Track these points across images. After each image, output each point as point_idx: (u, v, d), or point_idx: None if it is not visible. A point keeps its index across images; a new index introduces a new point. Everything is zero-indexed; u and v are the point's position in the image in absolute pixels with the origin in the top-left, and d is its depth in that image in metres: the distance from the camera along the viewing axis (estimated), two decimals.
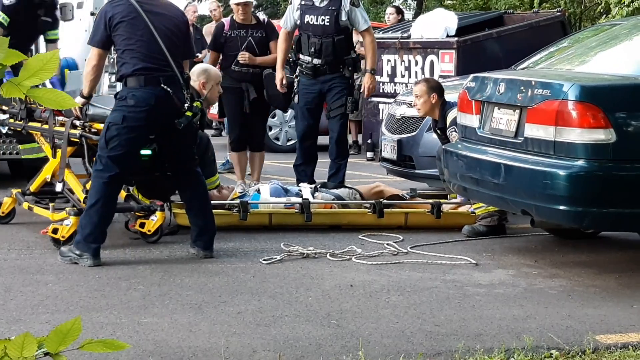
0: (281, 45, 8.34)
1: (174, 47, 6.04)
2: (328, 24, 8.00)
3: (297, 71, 8.25)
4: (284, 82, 8.34)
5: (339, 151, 8.24)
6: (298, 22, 8.13)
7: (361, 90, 8.28)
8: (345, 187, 7.74)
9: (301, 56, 8.15)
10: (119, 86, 6.50)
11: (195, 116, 6.06)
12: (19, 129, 7.22)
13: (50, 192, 7.21)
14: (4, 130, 7.36)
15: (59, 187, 6.64)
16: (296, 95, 8.33)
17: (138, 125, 5.90)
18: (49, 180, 6.99)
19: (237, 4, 8.75)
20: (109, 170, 5.86)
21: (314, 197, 7.41)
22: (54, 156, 6.83)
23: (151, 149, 6.18)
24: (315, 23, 8.03)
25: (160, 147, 6.18)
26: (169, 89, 5.90)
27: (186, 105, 5.98)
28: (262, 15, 9.62)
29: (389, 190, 7.79)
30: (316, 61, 8.05)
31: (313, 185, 7.65)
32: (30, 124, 7.10)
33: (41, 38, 8.43)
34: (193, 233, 6.24)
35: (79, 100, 6.32)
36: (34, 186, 7.12)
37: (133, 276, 5.70)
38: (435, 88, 7.56)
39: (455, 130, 7.02)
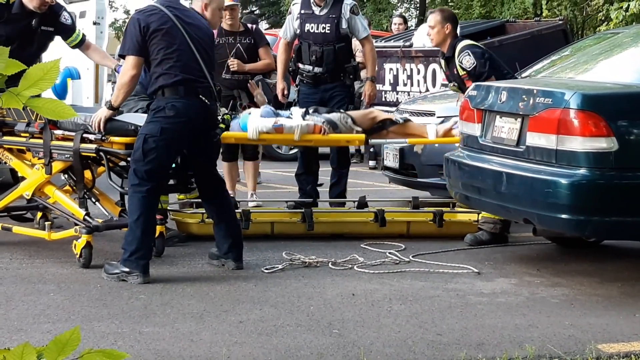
0: (281, 56, 8.34)
1: (208, 58, 5.99)
2: (329, 31, 8.01)
3: (298, 80, 8.26)
4: (286, 92, 8.34)
5: (340, 160, 8.24)
6: (298, 31, 8.14)
7: (362, 99, 8.29)
8: (338, 111, 7.55)
9: (301, 65, 8.15)
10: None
11: (227, 128, 6.09)
12: None
13: (14, 209, 7.01)
14: None
15: (79, 205, 6.36)
16: (297, 104, 8.34)
17: (177, 137, 5.80)
18: (28, 197, 6.64)
19: (224, 9, 8.76)
20: (147, 184, 5.73)
21: (304, 120, 7.21)
22: (48, 172, 6.48)
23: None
24: (316, 31, 8.04)
25: (189, 157, 6.10)
26: (206, 100, 5.85)
27: (219, 117, 5.97)
28: (265, 25, 9.62)
29: (382, 115, 7.66)
30: (317, 69, 8.06)
31: (304, 109, 7.48)
32: (6, 138, 6.70)
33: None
34: (223, 245, 6.11)
35: (105, 111, 6.06)
36: (1, 203, 6.76)
37: (134, 285, 5.69)
38: (449, 18, 7.59)
39: (469, 54, 7.26)
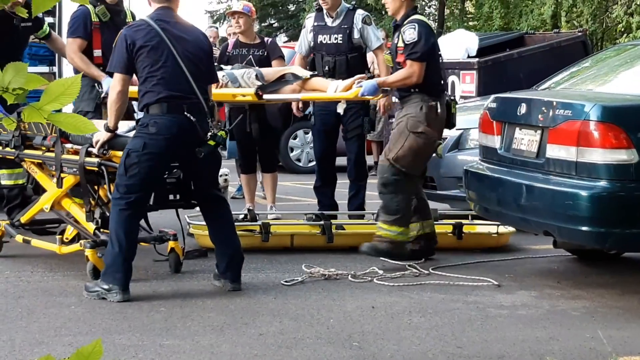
0: None
1: (199, 73, 5.86)
2: (341, 42, 8.02)
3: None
4: (300, 106, 8.35)
5: (357, 172, 8.23)
6: (312, 43, 8.15)
7: (377, 109, 8.29)
8: (251, 67, 7.54)
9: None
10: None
11: (218, 146, 5.86)
12: (11, 157, 6.92)
13: (39, 223, 7.05)
14: None
15: (86, 218, 6.35)
16: (312, 117, 8.35)
17: (159, 153, 5.71)
18: (47, 210, 6.70)
19: (231, 14, 8.81)
20: (127, 198, 5.67)
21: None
22: (60, 186, 6.54)
23: (175, 176, 6.13)
24: (329, 42, 8.05)
25: (184, 175, 6.08)
26: (192, 117, 5.72)
27: (209, 134, 5.79)
28: (283, 37, 9.64)
29: (289, 69, 7.54)
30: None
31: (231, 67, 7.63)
32: (27, 151, 6.79)
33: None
34: (221, 264, 5.99)
35: (104, 134, 6.01)
36: (25, 217, 6.87)
37: (155, 298, 5.71)
38: None
39: (414, 28, 6.69)
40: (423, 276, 6.44)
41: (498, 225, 7.39)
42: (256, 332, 5.00)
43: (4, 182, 7.70)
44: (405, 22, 6.79)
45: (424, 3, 30.22)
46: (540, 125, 5.96)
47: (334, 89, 7.01)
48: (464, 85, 10.94)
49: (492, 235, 7.51)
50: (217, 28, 15.24)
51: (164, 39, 5.76)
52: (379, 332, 5.04)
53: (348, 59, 8.01)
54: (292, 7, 32.99)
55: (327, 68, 8.02)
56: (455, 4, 28.87)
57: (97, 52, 7.36)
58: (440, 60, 7.04)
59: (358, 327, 5.14)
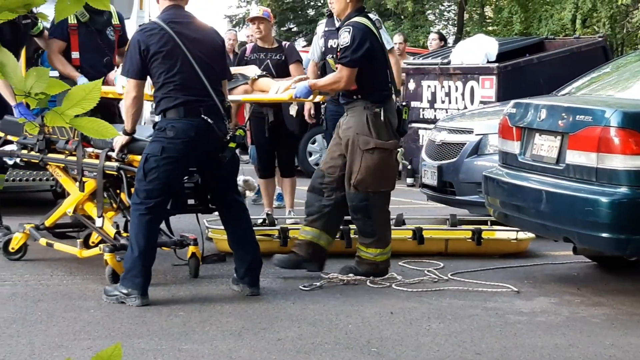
0: (310, 76, 8.36)
1: (214, 75, 5.85)
2: None
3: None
4: (312, 112, 8.33)
5: None
6: (323, 48, 8.14)
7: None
8: None
9: None
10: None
11: (238, 146, 5.87)
12: (35, 161, 6.96)
13: (63, 226, 7.11)
14: (11, 162, 7.20)
15: (99, 222, 6.40)
16: (324, 122, 8.34)
17: (177, 157, 5.70)
18: (70, 214, 6.77)
19: (250, 20, 8.82)
20: (147, 203, 5.67)
21: None
22: (82, 190, 6.59)
23: (193, 181, 6.13)
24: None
25: (203, 179, 6.10)
26: (209, 120, 5.71)
27: (228, 136, 5.78)
28: (302, 42, 9.66)
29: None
30: None
31: None
32: (50, 155, 6.85)
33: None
34: (240, 269, 5.98)
35: (122, 138, 6.02)
36: (49, 221, 6.90)
37: (174, 302, 5.72)
38: None
39: (349, 32, 6.34)
40: (442, 282, 6.42)
41: (517, 231, 7.36)
42: (274, 337, 5.00)
43: None
44: (344, 25, 6.53)
45: (443, 8, 30.18)
46: (560, 131, 5.94)
47: (275, 90, 6.79)
48: (483, 90, 10.91)
49: (512, 241, 7.49)
50: (236, 32, 15.26)
51: (178, 43, 5.73)
52: (397, 337, 5.03)
53: None
54: (311, 12, 33.03)
55: None
56: (474, 8, 28.82)
57: (75, 55, 7.42)
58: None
59: (377, 332, 5.13)
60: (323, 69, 8.16)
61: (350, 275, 6.43)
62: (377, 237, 6.50)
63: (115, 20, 7.75)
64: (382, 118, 6.36)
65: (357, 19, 6.44)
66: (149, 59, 5.73)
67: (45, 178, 8.79)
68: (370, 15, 8.11)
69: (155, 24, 5.85)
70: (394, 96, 6.56)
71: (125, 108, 5.97)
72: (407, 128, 6.73)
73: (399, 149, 6.46)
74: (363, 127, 6.36)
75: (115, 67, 7.37)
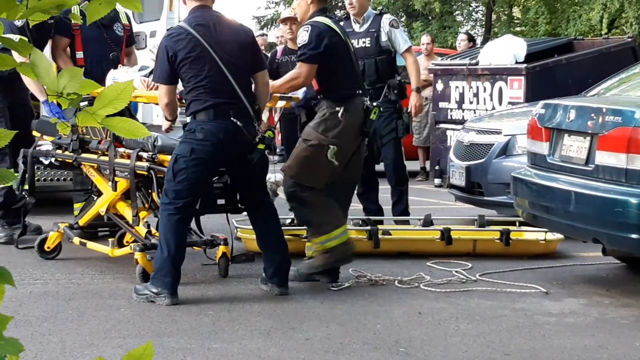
0: None
1: (243, 77, 5.87)
2: (369, 45, 8.04)
3: (376, 103, 8.24)
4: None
5: (397, 177, 8.18)
6: None
7: (408, 110, 8.21)
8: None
9: None
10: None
11: (267, 148, 5.88)
12: (69, 161, 7.05)
13: (95, 226, 7.18)
14: (46, 161, 7.28)
15: (135, 221, 6.46)
16: None
17: (206, 159, 5.75)
18: (103, 214, 6.83)
19: (283, 21, 8.84)
20: (176, 203, 5.72)
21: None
22: (115, 189, 6.67)
23: (222, 181, 6.17)
24: (357, 46, 8.03)
25: (232, 180, 6.14)
26: (238, 122, 5.74)
27: (257, 137, 5.80)
28: None
29: None
30: None
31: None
32: (84, 155, 6.94)
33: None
34: (269, 269, 6.02)
35: (167, 122, 6.08)
36: (83, 220, 6.98)
37: (203, 301, 5.76)
38: None
39: (307, 31, 6.23)
40: (470, 282, 6.42)
41: (546, 232, 7.34)
42: (303, 336, 5.02)
43: None
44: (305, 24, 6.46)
45: (471, 8, 30.10)
46: (590, 131, 5.92)
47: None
48: (511, 91, 10.88)
49: (540, 242, 7.47)
50: (266, 35, 15.29)
51: (206, 47, 5.74)
52: (425, 338, 5.04)
53: (376, 62, 8.00)
54: (339, 13, 33.05)
55: None
56: (502, 9, 28.73)
57: (79, 54, 7.50)
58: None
59: (405, 333, 5.14)
60: None
61: (379, 275, 6.44)
62: (315, 225, 6.31)
63: (124, 20, 7.81)
64: (339, 117, 6.23)
65: (316, 18, 6.39)
66: (177, 64, 5.76)
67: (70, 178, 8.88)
68: (386, 15, 8.17)
69: (182, 29, 5.86)
70: (366, 97, 6.44)
71: (162, 110, 6.08)
72: (370, 129, 6.44)
73: (331, 147, 6.20)
74: (315, 121, 6.29)
75: (120, 65, 7.40)
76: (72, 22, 7.44)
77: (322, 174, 6.26)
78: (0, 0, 2.36)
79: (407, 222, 8.11)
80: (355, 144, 6.35)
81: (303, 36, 6.31)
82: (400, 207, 8.17)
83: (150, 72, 6.77)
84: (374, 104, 6.57)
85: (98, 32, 7.60)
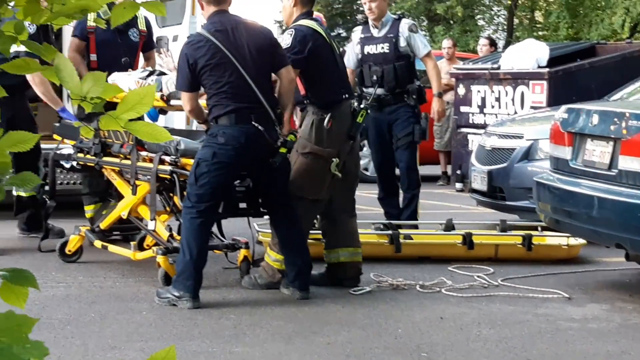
0: None
1: (264, 80, 5.88)
2: (388, 50, 7.98)
3: (363, 105, 8.23)
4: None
5: (409, 181, 8.10)
6: (359, 55, 8.15)
7: (432, 116, 8.12)
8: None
9: (365, 89, 8.14)
10: None
11: (289, 151, 5.90)
12: (91, 164, 7.07)
13: (117, 230, 7.21)
14: (68, 165, 7.29)
15: (151, 225, 6.49)
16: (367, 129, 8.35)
17: (228, 163, 5.77)
18: (124, 217, 6.85)
19: None
20: (198, 207, 5.74)
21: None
22: (135, 193, 6.67)
23: (245, 185, 6.19)
24: (375, 52, 8.03)
25: (254, 183, 6.14)
26: (260, 126, 5.75)
27: (279, 141, 5.81)
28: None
29: None
30: (379, 91, 8.00)
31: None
32: (106, 158, 6.95)
33: None
34: (290, 273, 6.04)
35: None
36: (104, 223, 7.00)
37: (224, 305, 5.76)
38: None
39: (291, 34, 6.15)
40: (492, 287, 6.40)
41: (568, 237, 7.31)
42: (324, 340, 5.02)
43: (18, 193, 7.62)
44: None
45: (492, 13, 30.04)
46: (613, 136, 5.89)
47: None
48: (533, 95, 10.84)
49: (563, 247, 7.44)
50: None
51: (225, 53, 5.76)
52: (447, 343, 5.03)
53: (395, 67, 7.94)
54: (359, 17, 33.05)
55: (374, 77, 8.00)
56: (524, 13, 28.66)
57: (93, 57, 7.53)
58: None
59: (426, 337, 5.13)
60: (360, 76, 8.18)
61: (400, 279, 6.43)
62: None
63: (141, 26, 7.84)
64: (325, 124, 6.17)
65: (301, 22, 6.31)
66: (198, 71, 5.79)
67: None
68: (404, 20, 8.13)
69: (201, 36, 5.87)
70: (353, 100, 6.41)
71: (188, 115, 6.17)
72: (357, 132, 6.39)
73: (334, 159, 6.17)
74: (306, 131, 6.22)
75: (129, 69, 7.41)
76: (88, 24, 7.49)
77: (320, 185, 6.23)
78: (25, 4, 2.38)
79: (415, 227, 8.02)
80: (346, 147, 6.31)
81: (286, 40, 6.25)
82: (408, 211, 8.06)
83: (149, 74, 6.82)
84: (361, 106, 6.56)
85: (112, 36, 7.64)
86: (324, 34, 6.38)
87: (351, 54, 8.27)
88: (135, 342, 4.91)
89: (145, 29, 7.98)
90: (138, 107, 2.34)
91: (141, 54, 8.10)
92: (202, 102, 6.03)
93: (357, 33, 8.29)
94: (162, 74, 7.20)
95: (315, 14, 9.03)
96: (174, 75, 7.09)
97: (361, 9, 32.43)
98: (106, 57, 7.62)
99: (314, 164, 6.16)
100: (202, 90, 5.95)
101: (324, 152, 6.17)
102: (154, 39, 8.37)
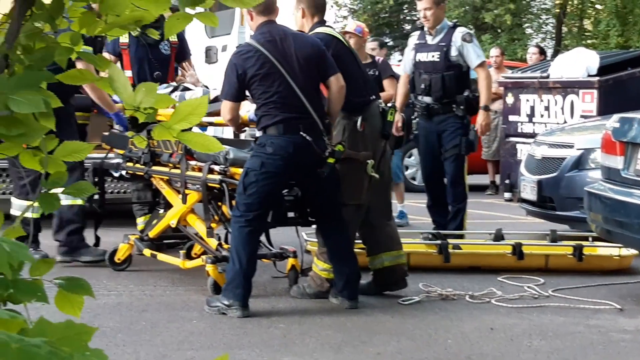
0: (401, 89, 8.35)
1: (312, 90, 5.89)
2: (438, 59, 7.90)
3: (415, 113, 8.21)
4: (399, 124, 8.31)
5: (454, 193, 8.02)
6: (413, 61, 8.11)
7: (475, 129, 8.00)
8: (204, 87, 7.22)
9: (415, 96, 8.11)
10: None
11: (338, 161, 5.88)
12: (140, 173, 7.13)
13: (166, 238, 7.26)
14: (117, 174, 7.34)
15: (207, 234, 6.51)
16: (415, 138, 8.33)
17: (276, 173, 5.79)
18: (173, 226, 6.90)
19: (343, 34, 8.82)
20: (247, 216, 5.78)
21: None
22: (185, 202, 6.72)
23: (293, 194, 6.20)
24: (426, 60, 7.97)
25: (303, 193, 6.15)
26: (308, 137, 5.76)
27: (327, 151, 5.81)
28: (398, 56, 9.67)
29: None
30: (427, 99, 7.96)
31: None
32: (155, 168, 7.02)
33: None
34: (339, 282, 6.04)
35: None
36: (153, 232, 7.05)
37: (274, 314, 5.77)
38: (301, 0, 6.42)
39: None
40: (542, 298, 6.34)
41: (620, 247, 7.22)
42: (374, 350, 5.00)
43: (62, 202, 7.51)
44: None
45: (541, 21, 29.83)
46: None
47: (245, 110, 6.48)
48: (583, 104, 10.76)
49: (614, 258, 7.35)
50: None
51: (274, 63, 5.78)
52: (498, 354, 4.99)
53: (443, 77, 7.86)
54: (407, 27, 33.02)
55: (423, 86, 7.96)
56: (573, 21, 28.43)
57: (128, 73, 7.53)
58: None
59: (477, 348, 5.09)
60: (412, 83, 8.15)
61: (449, 289, 6.40)
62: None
63: (173, 37, 7.85)
64: (358, 127, 6.18)
65: (316, 30, 6.28)
66: (247, 81, 5.82)
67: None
68: (460, 28, 8.05)
69: (250, 46, 5.90)
70: (380, 100, 6.38)
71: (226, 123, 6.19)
72: (390, 130, 6.40)
73: (369, 161, 6.16)
74: (339, 137, 6.18)
75: (162, 83, 7.43)
76: (120, 40, 7.53)
77: (363, 188, 6.22)
78: (81, 15, 2.41)
79: (462, 237, 7.93)
80: (380, 148, 6.31)
81: None
82: (454, 224, 7.98)
83: (173, 90, 6.88)
84: (389, 104, 6.54)
85: (143, 52, 7.68)
86: (342, 39, 6.41)
87: (407, 59, 8.24)
88: (185, 351, 4.93)
89: (176, 39, 7.99)
90: (190, 118, 2.36)
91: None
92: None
93: (414, 38, 8.25)
94: (186, 89, 7.28)
95: (357, 23, 9.06)
96: (198, 90, 7.20)
97: (408, 18, 32.45)
98: (139, 73, 7.67)
99: (351, 169, 6.13)
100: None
101: (360, 155, 6.17)
102: (188, 48, 8.35)
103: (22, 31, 2.23)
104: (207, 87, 7.67)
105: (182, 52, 8.12)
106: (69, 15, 2.36)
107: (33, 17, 2.27)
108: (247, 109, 6.48)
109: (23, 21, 2.23)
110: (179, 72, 8.09)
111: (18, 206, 7.09)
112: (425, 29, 8.06)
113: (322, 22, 6.43)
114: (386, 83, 8.68)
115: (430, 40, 8.00)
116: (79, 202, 7.01)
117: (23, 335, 1.30)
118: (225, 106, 5.96)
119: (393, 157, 10.00)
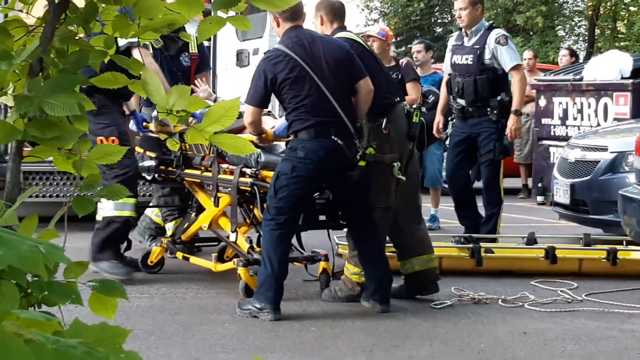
0: (442, 90, 8.35)
1: (343, 94, 5.88)
2: (471, 62, 7.87)
3: (452, 115, 8.21)
4: (440, 126, 8.28)
5: (488, 198, 7.99)
6: (450, 63, 8.09)
7: (506, 133, 7.88)
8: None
9: (451, 98, 8.09)
10: None
11: (369, 165, 5.85)
12: (173, 177, 7.14)
13: (198, 240, 7.29)
14: (149, 177, 7.33)
15: (232, 236, 6.54)
16: (448, 138, 8.31)
17: (307, 176, 5.79)
18: (205, 229, 6.91)
19: (367, 38, 8.79)
20: (278, 219, 5.78)
21: None
22: (217, 205, 6.71)
23: (324, 197, 6.20)
24: (460, 62, 7.94)
25: (334, 196, 6.14)
26: (339, 141, 5.75)
27: (358, 155, 5.80)
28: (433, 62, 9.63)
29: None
30: (461, 101, 7.94)
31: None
32: (187, 171, 7.01)
33: None
34: (370, 286, 6.03)
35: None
36: (186, 235, 7.06)
37: (305, 317, 5.77)
38: (319, 7, 6.46)
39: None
40: (576, 302, 6.29)
41: None
42: (406, 354, 4.98)
43: (108, 214, 6.83)
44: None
45: (573, 23, 29.64)
46: None
47: (270, 126, 6.48)
48: (617, 107, 10.67)
49: None
50: None
51: (304, 67, 5.78)
52: (531, 358, 4.95)
53: (476, 81, 7.82)
54: (438, 29, 32.94)
55: (457, 89, 7.93)
56: (606, 23, 28.22)
57: None
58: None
59: (510, 353, 5.06)
60: (448, 84, 8.12)
61: (482, 293, 6.37)
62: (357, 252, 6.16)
63: (193, 49, 7.83)
64: (383, 129, 6.13)
65: (337, 35, 6.27)
66: (277, 87, 5.82)
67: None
68: (495, 30, 7.99)
69: (279, 51, 5.89)
70: (404, 102, 6.34)
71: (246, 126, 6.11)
72: (417, 131, 6.29)
73: (395, 163, 6.11)
74: (365, 140, 6.11)
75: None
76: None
77: (390, 191, 6.19)
78: (114, 19, 2.42)
79: (494, 241, 7.89)
80: (406, 150, 6.27)
81: None
82: (487, 227, 7.93)
83: None
84: (414, 106, 6.50)
85: (165, 63, 7.69)
86: (363, 42, 6.40)
87: (446, 61, 8.23)
88: (218, 354, 4.94)
89: (196, 51, 7.98)
90: (223, 120, 2.37)
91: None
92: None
93: (452, 39, 8.25)
94: None
95: (381, 27, 9.04)
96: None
97: (439, 21, 32.36)
98: None
99: (377, 171, 6.06)
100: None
101: (386, 158, 6.12)
102: (208, 60, 8.33)
103: (56, 35, 2.25)
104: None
105: (201, 63, 8.11)
106: (102, 18, 2.38)
107: (67, 21, 2.28)
108: (272, 124, 6.50)
109: (57, 25, 2.25)
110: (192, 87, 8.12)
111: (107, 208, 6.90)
112: (463, 30, 8.03)
113: (342, 28, 6.43)
114: (409, 86, 8.66)
115: (466, 41, 7.96)
116: (127, 213, 6.84)
117: (58, 337, 1.31)
118: (248, 110, 5.96)
119: (435, 162, 10.01)
